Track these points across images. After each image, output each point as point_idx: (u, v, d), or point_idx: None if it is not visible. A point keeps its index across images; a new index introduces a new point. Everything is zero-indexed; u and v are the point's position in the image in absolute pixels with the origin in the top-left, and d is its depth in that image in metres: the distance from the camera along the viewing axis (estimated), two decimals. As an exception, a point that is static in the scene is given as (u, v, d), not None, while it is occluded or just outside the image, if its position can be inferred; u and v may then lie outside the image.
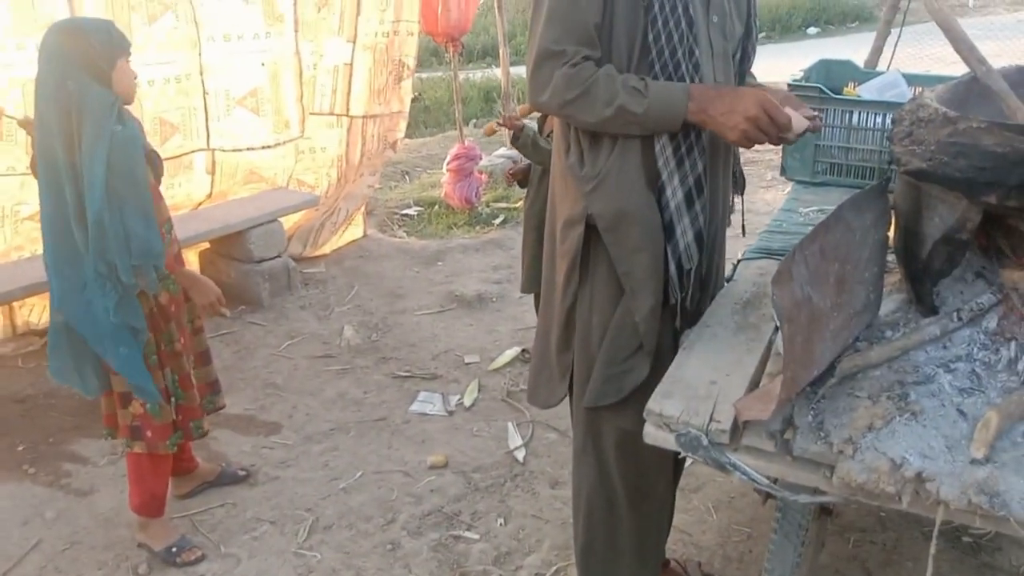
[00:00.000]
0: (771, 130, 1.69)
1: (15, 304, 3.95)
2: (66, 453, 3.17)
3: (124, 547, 2.64)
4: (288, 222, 4.67)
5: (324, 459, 3.10)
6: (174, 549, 2.58)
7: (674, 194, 1.79)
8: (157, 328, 2.47)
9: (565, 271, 1.90)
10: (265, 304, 4.38)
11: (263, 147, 4.49)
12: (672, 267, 1.83)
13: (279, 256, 4.43)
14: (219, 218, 4.32)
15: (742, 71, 1.94)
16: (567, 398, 2.04)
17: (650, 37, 1.69)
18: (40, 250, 3.48)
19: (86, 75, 2.24)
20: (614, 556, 2.01)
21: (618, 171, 1.77)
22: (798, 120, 1.74)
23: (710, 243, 1.93)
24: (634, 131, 1.73)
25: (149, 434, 2.46)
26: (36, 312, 4.06)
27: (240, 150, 4.43)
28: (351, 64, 4.69)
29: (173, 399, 2.52)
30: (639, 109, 1.68)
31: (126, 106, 2.36)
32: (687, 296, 1.88)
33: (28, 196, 3.85)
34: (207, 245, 4.53)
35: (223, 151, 4.37)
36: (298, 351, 3.96)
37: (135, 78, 2.39)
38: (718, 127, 1.70)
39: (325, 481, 2.96)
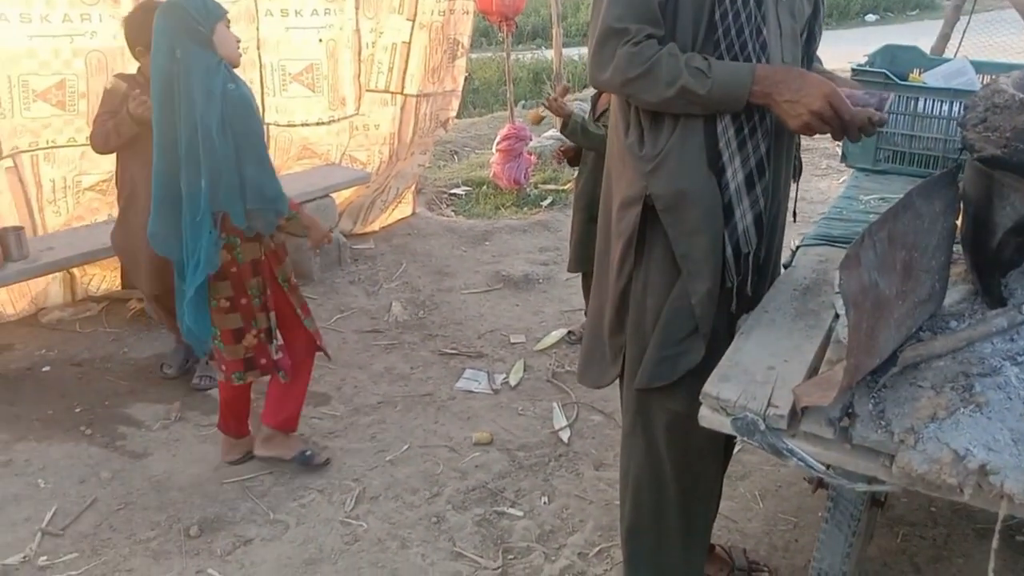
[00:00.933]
0: (835, 123, 1.66)
1: (75, 271, 4.05)
2: (121, 416, 3.25)
3: (176, 509, 2.71)
4: (339, 198, 4.72)
5: (371, 431, 3.14)
6: (308, 453, 2.90)
7: (734, 175, 1.77)
8: (239, 279, 2.67)
9: (620, 251, 1.88)
10: (316, 278, 4.44)
11: (318, 123, 4.53)
12: (729, 250, 1.81)
13: (331, 231, 4.47)
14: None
15: (809, 52, 1.90)
16: (618, 380, 2.04)
17: (717, 15, 1.67)
18: (100, 219, 3.58)
19: (190, 42, 2.44)
20: (661, 538, 2.00)
21: (679, 151, 1.75)
22: (862, 117, 1.70)
23: (769, 228, 1.90)
24: (696, 111, 1.71)
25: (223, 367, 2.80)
26: (96, 280, 4.17)
27: (295, 125, 4.48)
28: (408, 42, 4.70)
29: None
30: (702, 90, 1.66)
31: (234, 69, 2.57)
32: (744, 280, 1.86)
33: (89, 167, 3.94)
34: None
35: (278, 126, 4.42)
36: (347, 325, 4.01)
37: (238, 42, 2.60)
38: (781, 112, 1.67)
39: (372, 453, 3.00)
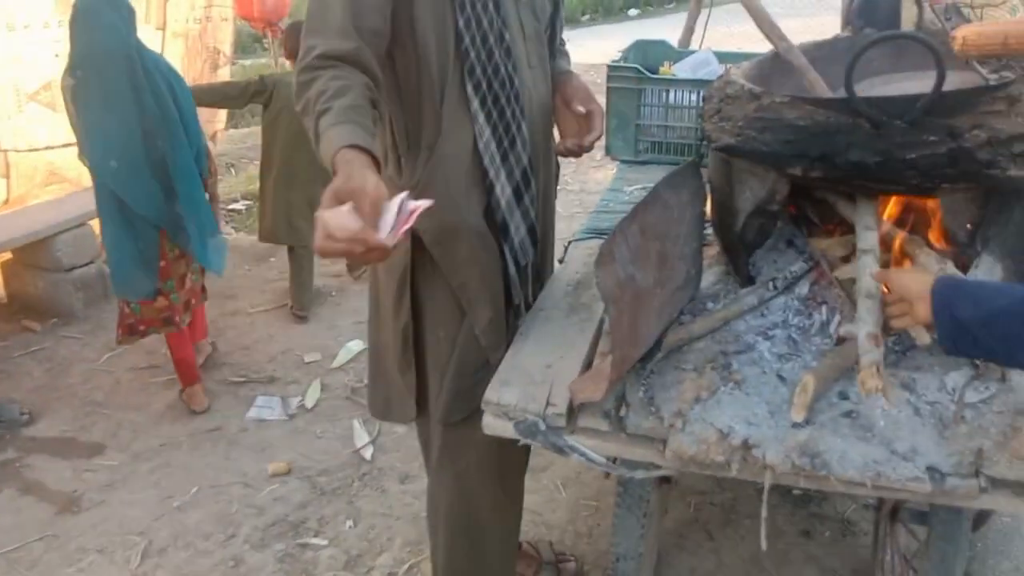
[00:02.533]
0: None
1: None
2: None
3: None
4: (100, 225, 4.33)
5: (155, 477, 2.90)
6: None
7: (503, 191, 1.71)
8: None
9: (395, 290, 1.78)
10: (80, 315, 4.05)
11: (64, 145, 4.12)
12: (511, 267, 1.77)
13: (92, 263, 4.10)
14: (21, 225, 3.93)
15: (552, 49, 1.91)
16: None
17: (460, 23, 1.58)
18: None
19: None
20: (480, 564, 1.95)
21: (440, 180, 1.65)
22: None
23: (542, 235, 1.90)
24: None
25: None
26: None
27: (37, 149, 4.05)
28: (161, 53, 4.38)
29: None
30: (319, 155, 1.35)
31: None
32: (527, 293, 1.85)
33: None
34: (9, 255, 4.13)
35: (17, 151, 3.99)
36: (120, 364, 3.68)
37: None
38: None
39: (157, 501, 2.77)
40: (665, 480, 2.20)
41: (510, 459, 1.86)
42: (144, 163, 2.87)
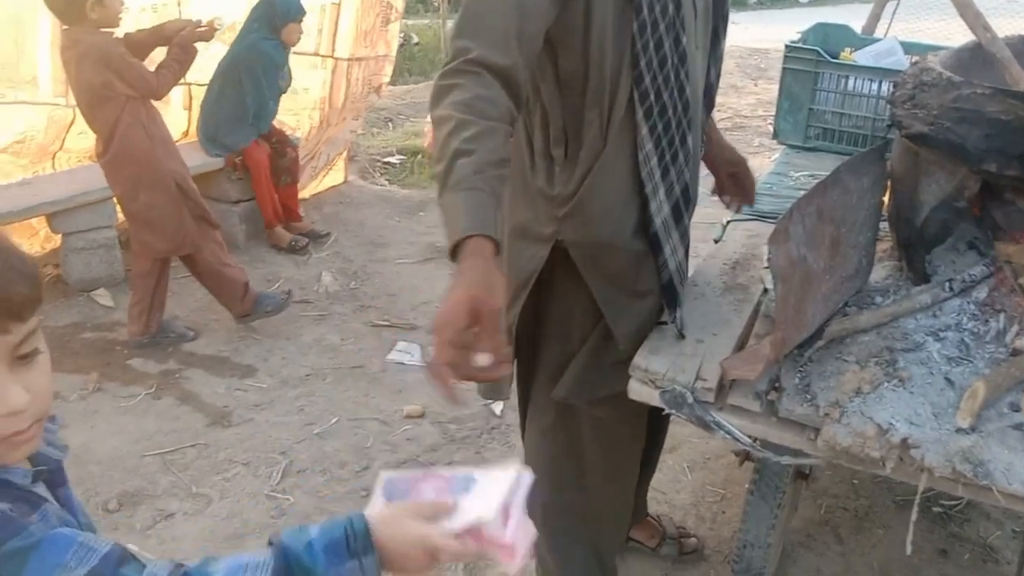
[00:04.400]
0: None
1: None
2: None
3: (94, 483, 2.61)
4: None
5: (299, 404, 3.07)
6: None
7: (659, 209, 1.56)
8: None
9: (513, 288, 1.65)
10: (241, 246, 4.30)
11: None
12: (664, 282, 1.63)
13: (254, 198, 4.34)
14: (196, 156, 4.22)
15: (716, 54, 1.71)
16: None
17: (635, 24, 1.42)
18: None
19: None
20: (577, 518, 1.91)
21: (596, 193, 1.53)
22: None
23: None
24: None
25: None
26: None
27: (216, 86, 4.31)
28: (339, 3, 4.57)
29: None
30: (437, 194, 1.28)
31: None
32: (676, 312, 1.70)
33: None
34: (185, 183, 4.43)
35: (199, 85, 4.26)
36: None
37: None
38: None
39: (300, 425, 2.93)
40: (802, 475, 2.15)
41: (625, 432, 1.81)
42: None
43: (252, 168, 4.19)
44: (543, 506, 1.92)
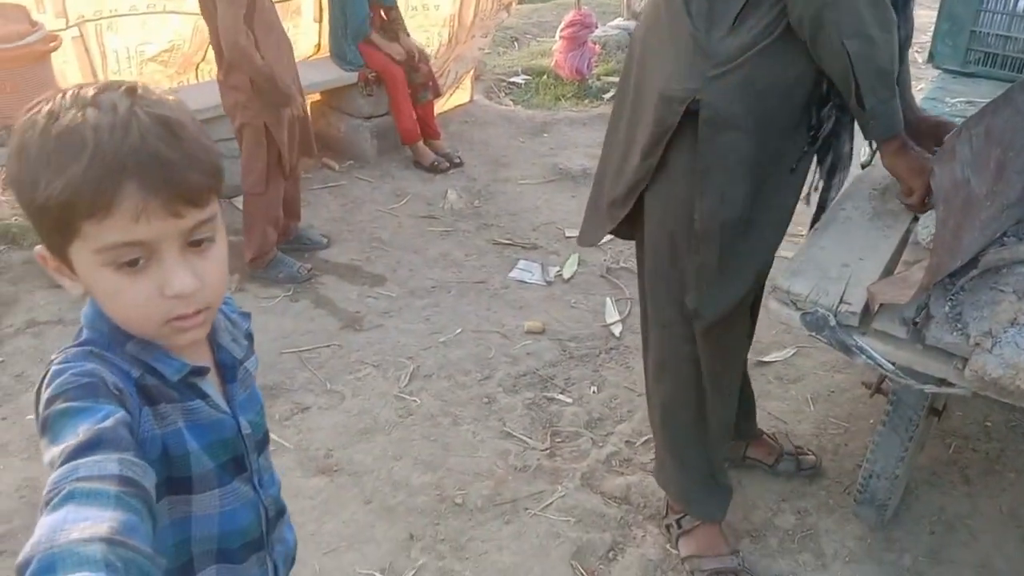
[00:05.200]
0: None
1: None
2: None
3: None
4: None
5: (425, 313, 3.18)
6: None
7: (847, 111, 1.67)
8: None
9: (649, 140, 1.71)
10: (372, 161, 4.42)
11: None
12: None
13: (388, 113, 4.42)
14: (331, 70, 4.32)
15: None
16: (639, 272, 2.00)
17: None
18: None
19: None
20: (698, 415, 1.97)
21: (768, 63, 1.58)
22: None
23: None
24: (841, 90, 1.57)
25: None
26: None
27: None
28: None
29: None
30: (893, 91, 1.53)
31: None
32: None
33: (151, 35, 3.92)
34: (318, 97, 4.56)
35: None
36: (403, 210, 4.01)
37: None
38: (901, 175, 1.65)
39: (426, 334, 3.05)
40: (934, 412, 2.09)
41: (737, 331, 1.91)
42: None
43: (389, 83, 4.25)
44: (662, 406, 1.97)
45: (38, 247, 0.84)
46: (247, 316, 1.05)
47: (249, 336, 1.06)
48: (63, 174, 0.74)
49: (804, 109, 1.66)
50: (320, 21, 4.64)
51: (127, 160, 0.74)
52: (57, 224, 0.77)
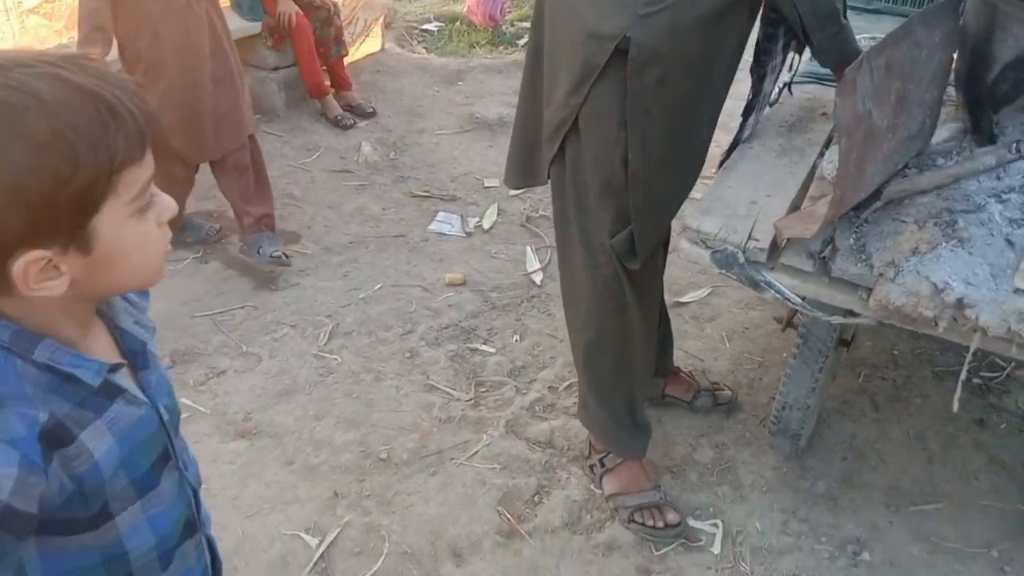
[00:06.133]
0: None
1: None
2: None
3: (148, 341, 2.70)
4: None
5: (343, 270, 3.11)
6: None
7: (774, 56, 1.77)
8: None
9: (572, 83, 1.71)
10: (280, 114, 4.27)
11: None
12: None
13: (293, 65, 4.27)
14: (231, 19, 4.13)
15: None
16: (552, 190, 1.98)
17: None
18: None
19: None
20: (623, 357, 1.98)
21: (695, 3, 1.59)
22: None
23: None
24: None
25: None
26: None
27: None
28: None
29: None
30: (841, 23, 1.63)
31: None
32: None
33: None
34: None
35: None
36: (316, 164, 3.89)
37: None
38: None
39: (344, 291, 2.99)
40: (843, 343, 2.16)
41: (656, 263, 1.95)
42: None
43: (294, 35, 4.09)
44: (587, 346, 1.98)
45: (21, 265, 0.72)
46: (146, 295, 0.98)
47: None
48: (106, 135, 0.72)
49: (734, 49, 1.69)
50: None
51: (131, 100, 0.75)
52: (90, 195, 0.73)
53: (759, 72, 1.82)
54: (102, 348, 0.87)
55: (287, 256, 3.03)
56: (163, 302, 2.89)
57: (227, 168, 2.99)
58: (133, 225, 0.78)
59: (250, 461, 2.26)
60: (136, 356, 0.90)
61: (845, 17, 1.59)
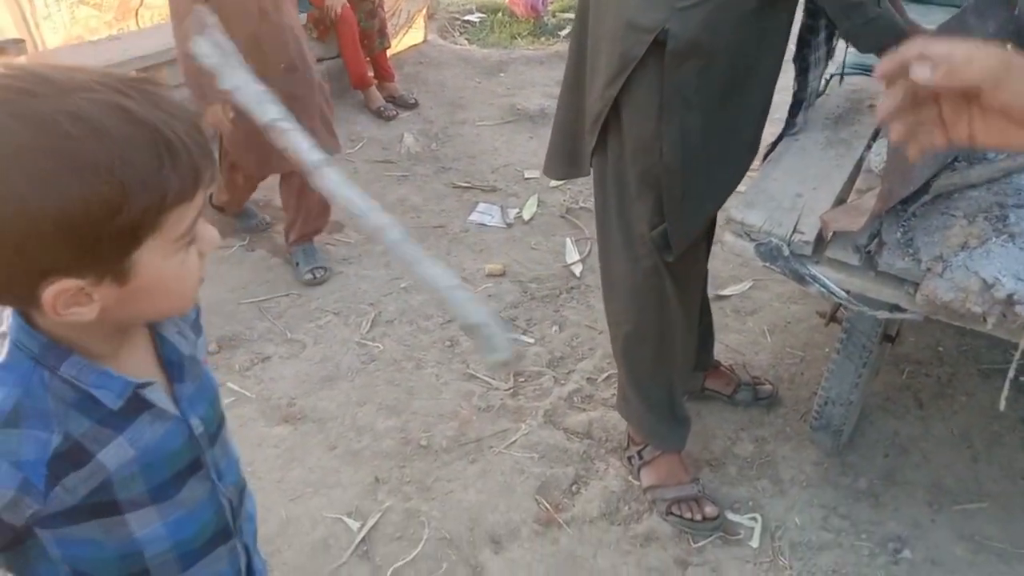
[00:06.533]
0: None
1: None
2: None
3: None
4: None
5: (385, 259, 3.15)
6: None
7: (816, 48, 1.77)
8: None
9: (613, 71, 1.70)
10: (327, 105, 4.32)
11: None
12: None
13: (339, 55, 4.31)
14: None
15: None
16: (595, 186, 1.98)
17: None
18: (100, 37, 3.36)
19: None
20: (662, 342, 1.98)
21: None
22: None
23: None
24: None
25: None
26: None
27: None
28: None
29: None
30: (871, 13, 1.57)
31: None
32: None
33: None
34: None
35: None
36: (358, 155, 3.94)
37: None
38: None
39: (386, 280, 3.02)
40: (888, 338, 2.13)
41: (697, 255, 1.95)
42: None
43: (339, 26, 4.13)
44: (626, 337, 1.98)
45: (52, 292, 0.71)
46: (196, 307, 0.96)
47: (197, 328, 0.97)
48: (160, 173, 0.69)
49: (778, 40, 1.67)
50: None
51: (191, 136, 0.72)
52: (134, 230, 0.71)
53: (802, 64, 1.81)
54: (137, 360, 0.85)
55: (323, 272, 3.02)
56: (210, 288, 2.95)
57: (292, 183, 2.96)
58: (174, 259, 0.76)
59: (294, 445, 2.31)
60: (173, 367, 0.88)
61: (879, 3, 1.56)
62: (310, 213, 3.02)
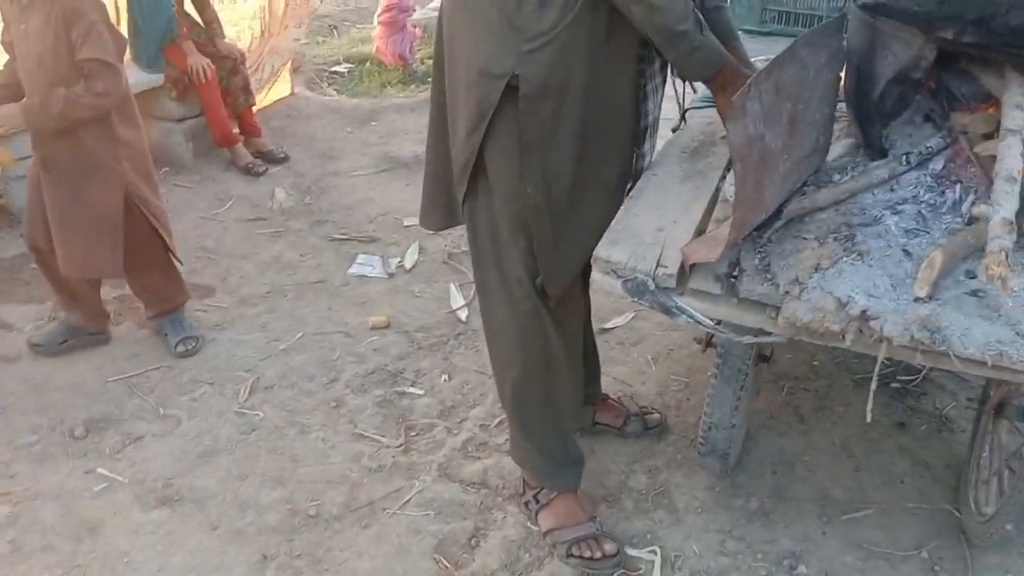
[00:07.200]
0: None
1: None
2: (-12, 321, 3.04)
3: (58, 411, 2.58)
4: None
5: (261, 321, 3.04)
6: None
7: (652, 77, 1.78)
8: None
9: (471, 122, 1.72)
10: (189, 165, 4.17)
11: None
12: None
13: (202, 114, 4.18)
14: (132, 73, 4.03)
15: None
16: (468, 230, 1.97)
17: None
18: None
19: None
20: (550, 392, 1.99)
21: (578, 32, 1.61)
22: None
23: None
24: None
25: None
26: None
27: None
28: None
29: None
30: (695, 42, 1.60)
31: None
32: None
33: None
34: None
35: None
36: (228, 214, 3.81)
37: None
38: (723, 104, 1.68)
39: (264, 343, 2.91)
40: (763, 358, 2.19)
41: (575, 298, 1.95)
42: None
43: (202, 89, 4.01)
44: (513, 384, 1.96)
45: None
46: None
47: None
48: None
49: (632, 70, 1.72)
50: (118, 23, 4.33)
51: None
52: None
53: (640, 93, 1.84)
54: None
55: (195, 343, 2.86)
56: (75, 367, 2.78)
57: (133, 273, 2.79)
58: None
59: (173, 530, 2.17)
60: None
61: (703, 32, 1.61)
62: (163, 294, 2.88)
